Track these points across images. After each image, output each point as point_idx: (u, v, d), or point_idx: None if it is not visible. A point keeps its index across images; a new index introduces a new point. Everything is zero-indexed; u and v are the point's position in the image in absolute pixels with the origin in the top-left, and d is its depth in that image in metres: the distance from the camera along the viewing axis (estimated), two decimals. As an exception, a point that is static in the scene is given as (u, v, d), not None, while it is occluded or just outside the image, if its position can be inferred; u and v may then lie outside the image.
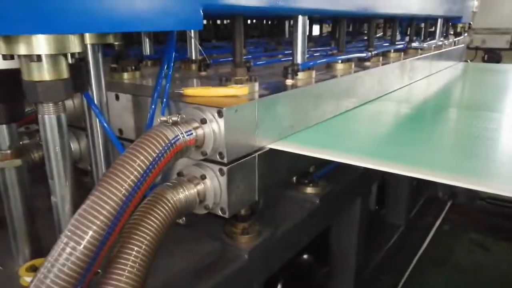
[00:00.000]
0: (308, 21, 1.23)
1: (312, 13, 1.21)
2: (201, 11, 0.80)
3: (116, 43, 0.82)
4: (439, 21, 2.54)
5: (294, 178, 1.32)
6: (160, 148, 0.75)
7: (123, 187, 0.68)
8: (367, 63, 1.65)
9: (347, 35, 2.75)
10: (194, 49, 1.45)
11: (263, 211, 1.18)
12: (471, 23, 3.47)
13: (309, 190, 1.35)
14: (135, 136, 1.03)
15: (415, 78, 2.04)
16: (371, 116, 1.41)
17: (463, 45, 3.09)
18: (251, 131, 0.94)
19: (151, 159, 0.73)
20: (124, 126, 1.05)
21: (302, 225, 1.26)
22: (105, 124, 0.89)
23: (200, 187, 0.90)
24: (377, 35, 2.77)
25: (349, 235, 1.77)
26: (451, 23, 3.04)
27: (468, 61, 3.33)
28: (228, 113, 0.86)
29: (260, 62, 1.53)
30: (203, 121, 0.86)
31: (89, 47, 0.83)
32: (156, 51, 1.66)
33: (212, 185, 0.90)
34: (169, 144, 0.77)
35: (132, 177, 0.70)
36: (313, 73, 1.28)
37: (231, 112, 0.87)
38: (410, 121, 1.41)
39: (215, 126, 0.86)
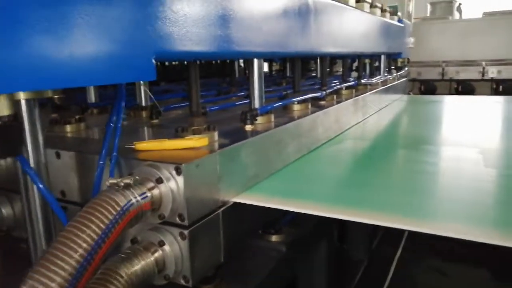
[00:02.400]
0: (263, 63, 1.19)
1: (267, 56, 1.18)
2: (153, 61, 0.73)
3: (56, 96, 0.72)
4: (383, 57, 2.64)
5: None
6: (111, 218, 0.65)
7: (68, 266, 0.57)
8: (322, 102, 1.64)
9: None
10: (143, 95, 1.36)
11: (227, 265, 1.08)
12: (409, 58, 3.68)
13: (274, 238, 1.27)
14: (79, 198, 0.91)
15: (368, 114, 2.07)
16: (330, 157, 1.39)
17: (405, 78, 3.24)
18: (214, 186, 0.86)
19: (99, 231, 0.63)
20: (67, 187, 0.92)
21: (271, 276, 1.17)
22: (42, 188, 0.76)
23: (158, 254, 0.79)
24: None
25: (318, 279, 1.70)
26: (392, 58, 3.20)
27: (410, 93, 3.50)
28: (187, 169, 0.77)
29: (214, 107, 1.46)
30: (159, 181, 0.76)
31: (23, 102, 0.72)
32: (102, 97, 1.54)
33: (172, 251, 0.79)
34: (121, 212, 0.67)
35: (77, 255, 0.60)
36: (272, 116, 1.23)
37: (191, 167, 0.79)
38: (365, 160, 1.42)
39: (173, 185, 0.77)
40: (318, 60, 2.72)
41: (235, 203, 0.92)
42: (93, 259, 0.62)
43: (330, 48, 1.60)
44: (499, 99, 3.28)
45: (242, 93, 1.77)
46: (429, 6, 7.52)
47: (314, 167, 1.26)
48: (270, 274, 1.19)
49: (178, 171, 0.76)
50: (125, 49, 0.68)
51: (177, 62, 2.64)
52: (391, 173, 1.28)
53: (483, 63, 6.17)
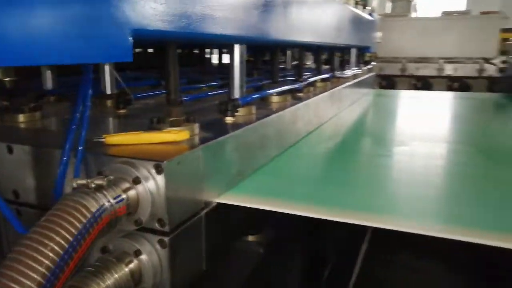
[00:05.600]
0: (245, 50, 1.09)
1: (248, 41, 1.08)
2: (130, 39, 0.61)
3: (7, 79, 0.59)
4: (354, 51, 2.61)
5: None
6: (80, 227, 0.54)
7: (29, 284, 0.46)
8: (300, 94, 1.56)
9: (266, 64, 2.71)
10: (109, 81, 1.21)
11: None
12: (377, 52, 3.71)
13: (251, 238, 1.19)
14: (36, 200, 0.78)
15: (343, 107, 2.03)
16: (309, 153, 1.33)
17: (373, 73, 3.25)
18: (196, 186, 0.76)
19: (66, 244, 0.52)
20: (21, 187, 0.78)
21: (251, 280, 1.10)
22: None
23: (134, 266, 0.68)
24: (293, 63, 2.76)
25: (290, 278, 1.64)
26: (361, 52, 3.19)
27: (376, 87, 3.53)
28: (169, 167, 0.66)
29: (186, 98, 1.34)
30: (137, 181, 0.65)
31: (-35, 85, 0.59)
32: (61, 84, 1.37)
33: (150, 261, 0.69)
34: (92, 220, 0.56)
35: (38, 275, 0.49)
36: (253, 108, 1.14)
37: (173, 165, 0.68)
38: (343, 157, 1.39)
39: (152, 186, 0.66)
40: (289, 51, 2.64)
41: (218, 204, 0.83)
42: (58, 278, 0.50)
43: (309, 38, 1.53)
44: (455, 95, 3.42)
45: (216, 83, 1.65)
46: (389, 4, 7.66)
47: (296, 164, 1.19)
48: (248, 278, 1.12)
49: (159, 170, 0.65)
50: (97, 21, 0.56)
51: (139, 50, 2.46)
52: (359, 168, 1.28)
53: (440, 60, 6.37)
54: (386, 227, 0.83)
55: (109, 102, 1.22)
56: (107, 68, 1.18)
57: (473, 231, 0.79)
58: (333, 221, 0.85)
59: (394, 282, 2.55)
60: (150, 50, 2.43)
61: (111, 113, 1.16)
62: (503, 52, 3.96)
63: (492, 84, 5.52)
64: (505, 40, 6.00)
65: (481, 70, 5.90)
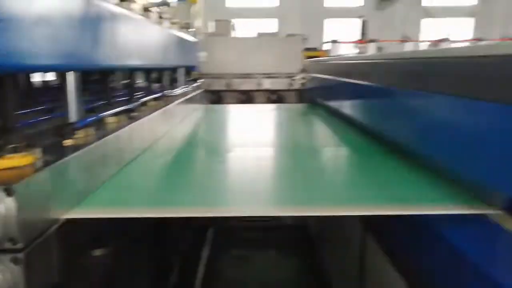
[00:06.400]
0: (79, 75, 1.18)
1: (81, 69, 1.17)
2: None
3: None
4: (181, 70, 2.85)
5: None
6: None
7: None
8: (134, 114, 1.69)
9: (98, 83, 2.71)
10: None
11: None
12: (202, 70, 4.04)
13: (100, 250, 1.26)
14: None
15: (175, 123, 2.22)
16: (148, 166, 1.47)
17: (202, 90, 3.55)
18: (45, 205, 0.83)
19: None
20: None
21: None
22: None
23: (-13, 287, 0.72)
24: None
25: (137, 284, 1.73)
26: (188, 71, 3.46)
27: (206, 102, 3.85)
28: (18, 190, 0.73)
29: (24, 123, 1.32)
30: (-14, 205, 0.70)
31: None
32: None
33: (4, 280, 0.74)
34: None
35: None
36: (91, 129, 1.23)
37: (22, 188, 0.75)
38: (177, 165, 1.58)
39: (2, 208, 0.72)
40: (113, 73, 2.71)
41: (68, 220, 0.91)
42: None
43: (138, 62, 1.68)
44: (273, 107, 4.02)
45: (46, 106, 1.64)
46: (213, 23, 8.27)
47: (136, 176, 1.32)
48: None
49: (9, 193, 0.72)
50: None
51: None
52: (197, 173, 1.49)
53: (259, 76, 7.25)
54: (230, 215, 1.05)
55: None
56: None
57: (290, 207, 1.11)
58: (178, 222, 1.02)
59: (236, 274, 2.87)
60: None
61: None
62: (302, 70, 4.82)
63: (300, 95, 6.58)
64: (309, 57, 7.21)
65: (291, 84, 6.96)
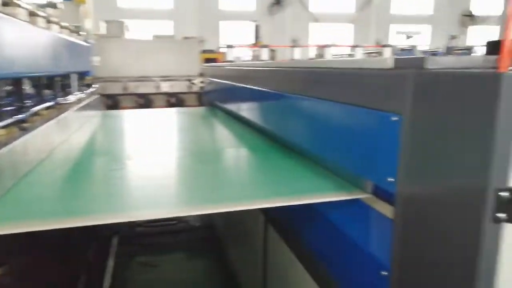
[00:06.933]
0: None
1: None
2: None
3: None
4: (75, 76, 2.72)
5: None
6: None
7: None
8: (26, 125, 1.60)
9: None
10: None
11: None
12: (96, 75, 3.88)
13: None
14: None
15: (71, 132, 2.13)
16: (47, 176, 1.42)
17: (98, 95, 3.42)
18: None
19: None
20: None
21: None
22: None
23: None
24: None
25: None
26: (81, 76, 3.30)
27: (102, 107, 3.70)
28: None
29: None
30: None
31: None
32: None
33: None
34: None
35: None
36: (-20, 144, 1.16)
37: None
38: (77, 175, 1.54)
39: None
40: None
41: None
42: None
43: (24, 70, 1.60)
44: (173, 111, 4.03)
45: None
46: (104, 24, 7.88)
47: (34, 188, 1.27)
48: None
49: None
50: None
51: None
52: (97, 182, 1.49)
53: (157, 79, 7.13)
54: (134, 219, 1.07)
55: None
56: None
57: (194, 206, 1.17)
58: (83, 231, 1.02)
59: (143, 281, 2.84)
60: None
61: None
62: (201, 74, 4.91)
63: (199, 98, 6.65)
64: (206, 60, 7.30)
65: (190, 87, 6.99)
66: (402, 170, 0.88)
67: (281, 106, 1.68)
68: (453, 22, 17.26)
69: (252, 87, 2.11)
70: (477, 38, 16.74)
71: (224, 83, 2.88)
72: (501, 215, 0.66)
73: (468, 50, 9.39)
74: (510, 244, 0.69)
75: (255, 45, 7.77)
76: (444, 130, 0.76)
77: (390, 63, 0.94)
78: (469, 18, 17.43)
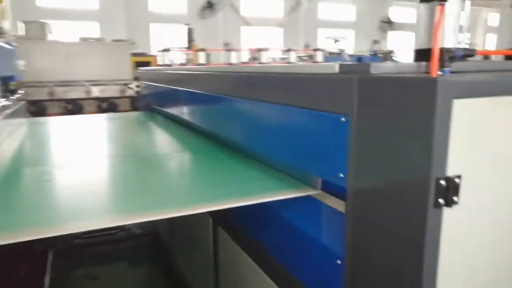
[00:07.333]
0: None
1: None
2: None
3: None
4: (-2, 82, 2.52)
5: None
6: None
7: None
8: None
9: None
10: None
11: None
12: (21, 80, 3.61)
13: None
14: None
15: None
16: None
17: (24, 102, 3.19)
18: None
19: None
20: None
21: None
22: None
23: None
24: None
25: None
26: (4, 82, 3.05)
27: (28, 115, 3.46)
28: None
29: None
30: None
31: None
32: None
33: None
34: None
35: None
36: None
37: None
38: (11, 185, 1.45)
39: None
40: None
41: None
42: None
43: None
44: (105, 116, 3.86)
45: None
46: (22, 25, 7.32)
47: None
48: None
49: None
50: None
51: None
52: (30, 194, 1.39)
53: (87, 83, 6.78)
54: (74, 231, 1.00)
55: None
56: None
57: (136, 214, 1.10)
58: (14, 248, 0.94)
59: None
60: None
61: None
62: (136, 78, 4.79)
63: (133, 103, 6.44)
64: (138, 63, 7.08)
65: (123, 91, 6.75)
66: (352, 166, 0.96)
67: (230, 109, 1.71)
68: (374, 27, 18.51)
69: (191, 90, 2.11)
70: (395, 43, 18.18)
71: (163, 86, 2.84)
72: (441, 201, 0.76)
73: (390, 53, 10.15)
74: (449, 226, 0.80)
75: (189, 48, 7.70)
76: (389, 129, 0.85)
77: (336, 69, 1.02)
78: (388, 24, 18.81)
